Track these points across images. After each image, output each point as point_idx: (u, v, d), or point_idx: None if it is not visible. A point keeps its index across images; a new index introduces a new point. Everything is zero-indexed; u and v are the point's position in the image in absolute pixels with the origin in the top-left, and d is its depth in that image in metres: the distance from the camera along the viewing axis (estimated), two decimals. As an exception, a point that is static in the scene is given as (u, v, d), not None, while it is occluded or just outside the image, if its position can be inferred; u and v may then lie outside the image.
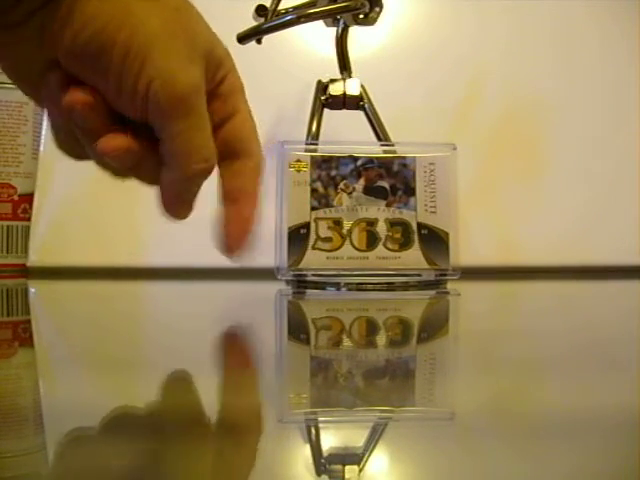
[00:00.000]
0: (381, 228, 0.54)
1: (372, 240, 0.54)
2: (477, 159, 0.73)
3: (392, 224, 0.55)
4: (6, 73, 0.32)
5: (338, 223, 0.54)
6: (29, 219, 0.71)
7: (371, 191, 0.55)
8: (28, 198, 0.72)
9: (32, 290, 0.64)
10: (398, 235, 0.55)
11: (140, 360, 0.28)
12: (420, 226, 0.55)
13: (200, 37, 0.31)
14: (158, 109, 0.30)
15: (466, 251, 0.58)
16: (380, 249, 0.54)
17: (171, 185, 0.33)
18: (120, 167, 0.32)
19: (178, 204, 0.34)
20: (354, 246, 0.54)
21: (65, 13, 0.29)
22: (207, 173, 0.33)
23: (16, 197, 0.72)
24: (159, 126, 0.31)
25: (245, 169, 0.35)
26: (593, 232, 0.72)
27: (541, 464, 0.15)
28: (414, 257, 0.54)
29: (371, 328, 0.38)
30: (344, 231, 0.54)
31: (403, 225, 0.55)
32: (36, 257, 0.70)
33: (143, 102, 0.30)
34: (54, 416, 0.20)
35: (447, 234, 0.55)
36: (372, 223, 0.54)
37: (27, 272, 0.70)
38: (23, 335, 0.37)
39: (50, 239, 0.70)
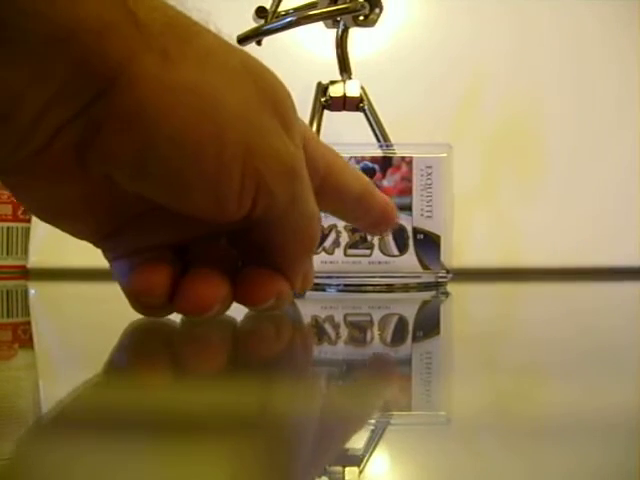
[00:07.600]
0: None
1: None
2: (476, 161, 0.73)
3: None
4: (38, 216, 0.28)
5: (333, 227, 0.54)
6: (29, 220, 0.71)
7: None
8: (28, 199, 0.72)
9: (32, 291, 0.64)
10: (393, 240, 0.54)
11: (141, 361, 0.28)
12: (416, 231, 0.54)
13: (268, 88, 0.26)
14: (269, 194, 0.25)
15: (466, 253, 0.58)
16: (375, 254, 0.54)
17: (299, 265, 0.28)
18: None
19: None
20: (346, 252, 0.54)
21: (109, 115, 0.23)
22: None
23: (16, 198, 0.72)
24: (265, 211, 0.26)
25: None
26: (593, 234, 0.72)
27: (541, 467, 0.15)
28: (408, 262, 0.54)
29: (364, 330, 0.38)
30: (339, 236, 0.54)
31: (399, 230, 0.54)
32: (36, 258, 0.70)
33: (248, 199, 0.25)
34: (54, 418, 0.20)
35: (439, 237, 0.54)
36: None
37: (27, 273, 0.70)
38: (23, 336, 0.37)
39: (50, 240, 0.70)
